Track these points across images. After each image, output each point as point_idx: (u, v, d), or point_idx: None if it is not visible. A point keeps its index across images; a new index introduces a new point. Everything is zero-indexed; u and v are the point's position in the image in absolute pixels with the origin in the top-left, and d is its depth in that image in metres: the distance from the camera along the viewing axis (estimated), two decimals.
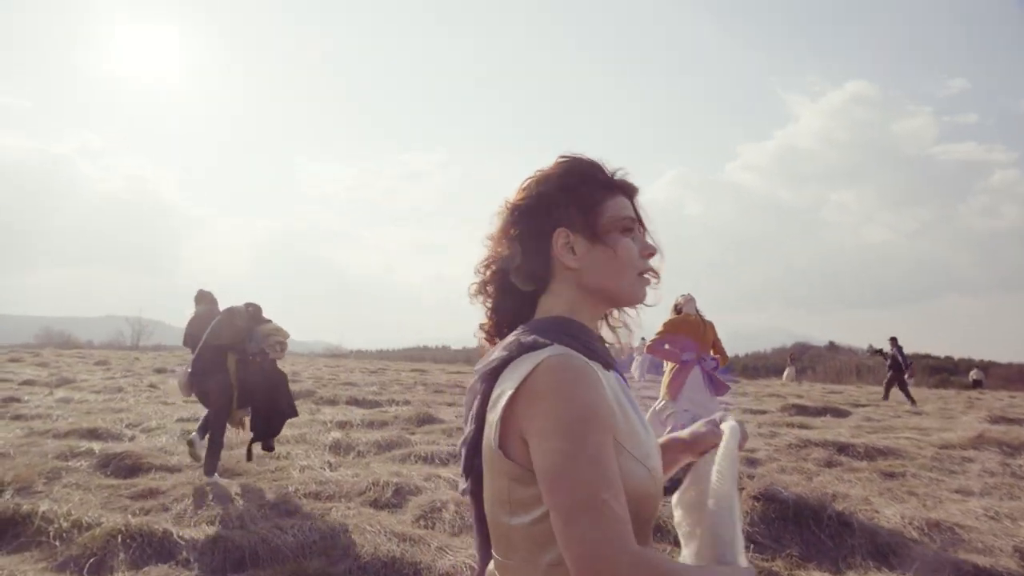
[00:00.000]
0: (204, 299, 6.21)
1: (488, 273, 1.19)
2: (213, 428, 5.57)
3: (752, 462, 6.81)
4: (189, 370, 5.77)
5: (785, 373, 29.10)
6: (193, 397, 5.96)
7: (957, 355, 49.04)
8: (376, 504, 5.04)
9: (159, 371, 16.72)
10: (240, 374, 5.65)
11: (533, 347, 1.03)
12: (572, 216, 1.12)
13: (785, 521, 4.37)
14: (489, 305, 1.20)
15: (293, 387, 12.86)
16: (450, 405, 11.30)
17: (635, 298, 1.16)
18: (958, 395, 21.00)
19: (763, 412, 11.70)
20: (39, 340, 42.47)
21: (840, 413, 11.54)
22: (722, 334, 6.70)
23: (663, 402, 6.16)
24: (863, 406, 13.61)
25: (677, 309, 6.34)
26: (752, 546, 4.13)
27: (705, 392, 5.84)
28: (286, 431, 7.56)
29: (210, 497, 4.95)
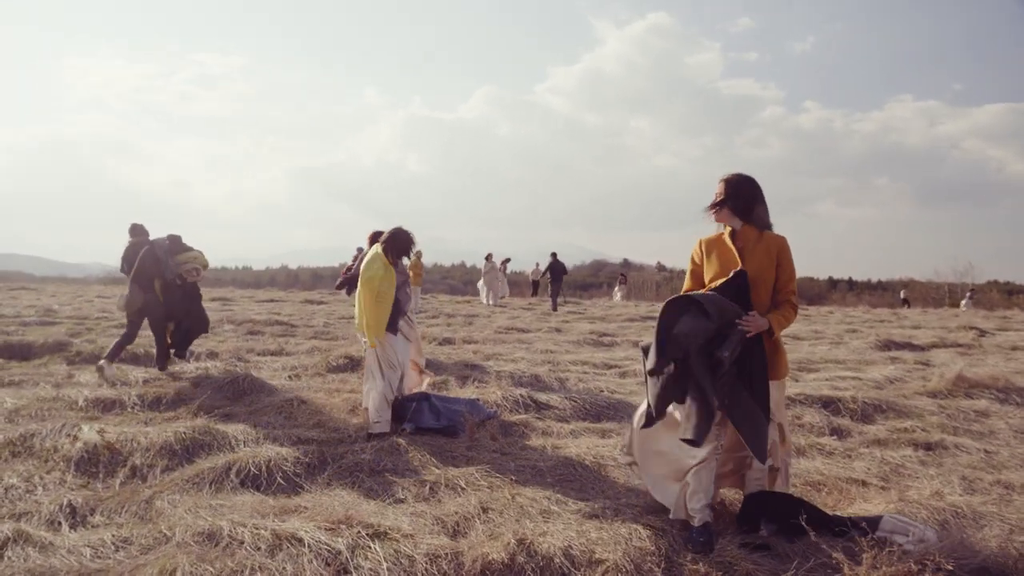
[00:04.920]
0: (136, 231, 6.96)
1: None
2: (156, 335, 6.88)
3: None
4: (127, 293, 6.72)
5: (616, 293, 28.78)
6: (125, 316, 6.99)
7: None
8: None
9: None
10: (165, 296, 6.76)
11: None
12: None
13: None
14: None
15: (41, 331, 9.06)
16: (275, 355, 8.29)
17: None
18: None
19: None
20: None
21: None
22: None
23: None
24: None
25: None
26: None
27: None
28: None
29: None
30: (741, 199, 3.14)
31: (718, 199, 3.20)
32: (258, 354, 8.25)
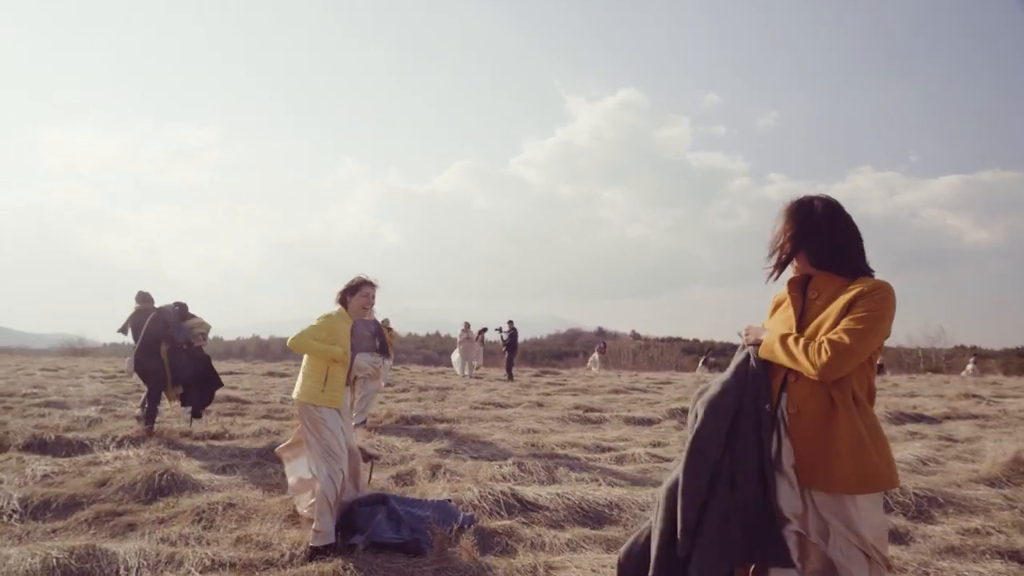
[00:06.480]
0: (142, 298, 7.49)
1: None
2: (149, 400, 7.12)
3: None
4: (133, 357, 7.14)
5: (597, 362, 27.90)
6: (135, 377, 7.81)
7: (702, 338, 52.31)
8: None
9: None
10: (171, 359, 7.11)
11: None
12: None
13: None
14: None
15: None
16: (216, 439, 7.12)
17: None
18: None
19: (650, 421, 9.04)
20: None
21: None
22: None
23: None
24: None
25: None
26: None
27: None
28: None
29: None
30: (818, 237, 2.14)
31: (786, 249, 2.18)
32: (195, 438, 7.08)
